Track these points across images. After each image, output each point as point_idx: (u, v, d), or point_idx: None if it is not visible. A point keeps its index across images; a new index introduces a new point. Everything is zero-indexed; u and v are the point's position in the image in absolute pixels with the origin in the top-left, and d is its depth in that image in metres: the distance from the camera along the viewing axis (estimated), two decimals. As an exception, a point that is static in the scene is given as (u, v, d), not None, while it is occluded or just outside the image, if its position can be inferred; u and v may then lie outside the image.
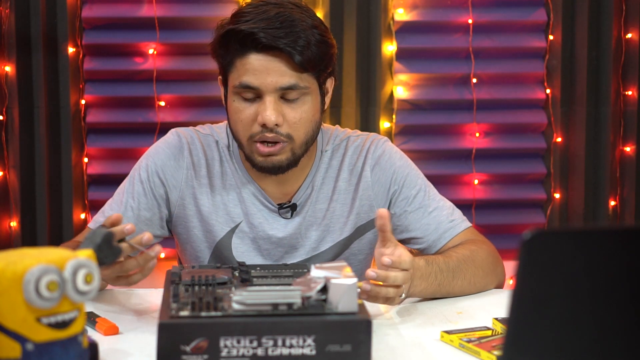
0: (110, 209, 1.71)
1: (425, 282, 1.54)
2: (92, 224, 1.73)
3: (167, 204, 1.71)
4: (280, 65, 1.56)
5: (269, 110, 1.56)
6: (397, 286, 1.42)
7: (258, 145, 1.60)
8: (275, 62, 1.56)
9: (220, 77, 1.67)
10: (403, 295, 1.44)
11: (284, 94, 1.58)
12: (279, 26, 1.54)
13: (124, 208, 1.69)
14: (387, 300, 1.43)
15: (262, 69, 1.56)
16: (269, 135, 1.58)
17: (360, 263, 1.78)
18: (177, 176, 1.71)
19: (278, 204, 1.71)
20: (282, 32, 1.54)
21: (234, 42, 1.57)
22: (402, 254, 1.42)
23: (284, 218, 1.72)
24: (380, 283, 1.40)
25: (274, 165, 1.62)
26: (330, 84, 1.69)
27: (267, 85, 1.56)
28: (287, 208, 1.71)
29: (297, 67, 1.56)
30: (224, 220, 1.71)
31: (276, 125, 1.57)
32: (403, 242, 1.77)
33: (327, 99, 1.69)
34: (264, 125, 1.58)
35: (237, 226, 1.71)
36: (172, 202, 1.71)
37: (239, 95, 1.60)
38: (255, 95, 1.58)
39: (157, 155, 1.71)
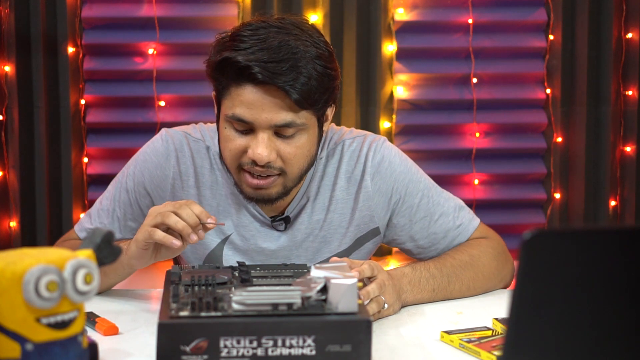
0: (97, 216, 1.69)
1: (417, 287, 1.53)
2: (77, 227, 1.72)
3: None
4: (276, 102, 1.46)
5: (261, 148, 1.48)
6: (378, 300, 1.43)
7: (247, 176, 1.53)
8: (272, 98, 1.46)
9: (214, 93, 1.58)
10: (386, 306, 1.44)
11: (279, 130, 1.50)
12: (279, 59, 1.44)
13: (111, 218, 1.67)
14: (375, 316, 1.43)
15: (258, 104, 1.47)
16: (260, 169, 1.51)
17: None
18: (163, 186, 1.64)
19: (271, 217, 1.65)
20: (282, 68, 1.44)
21: (229, 70, 1.48)
22: (361, 268, 1.41)
23: (277, 231, 1.65)
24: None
25: (263, 197, 1.56)
26: (330, 112, 1.60)
27: (261, 121, 1.47)
28: (280, 221, 1.65)
29: (294, 105, 1.47)
30: (213, 232, 1.64)
31: (268, 162, 1.50)
32: (405, 251, 1.74)
33: (326, 126, 1.61)
34: (254, 162, 1.50)
35: (227, 238, 1.66)
36: None
37: (230, 124, 1.52)
38: (248, 128, 1.50)
39: (143, 164, 1.66)
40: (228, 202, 1.65)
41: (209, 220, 1.42)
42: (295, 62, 1.45)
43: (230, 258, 1.66)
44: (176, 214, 1.40)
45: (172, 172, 1.64)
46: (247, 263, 1.66)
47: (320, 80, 1.48)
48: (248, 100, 1.47)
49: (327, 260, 1.66)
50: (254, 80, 1.45)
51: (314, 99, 1.48)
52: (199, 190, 1.65)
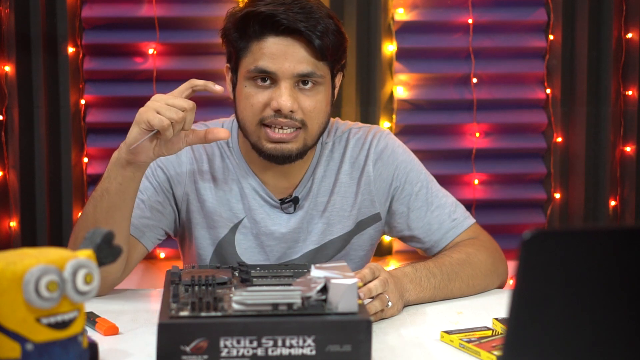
0: None
1: (418, 286, 1.54)
2: None
3: (174, 200, 1.71)
4: (298, 51, 1.55)
5: (285, 96, 1.55)
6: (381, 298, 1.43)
7: (268, 130, 1.58)
8: (294, 47, 1.55)
9: (227, 65, 1.65)
10: (390, 304, 1.44)
11: (299, 82, 1.57)
12: (298, 11, 1.54)
13: (135, 203, 1.67)
14: (378, 315, 1.43)
15: (280, 54, 1.55)
16: (283, 120, 1.57)
17: (361, 260, 1.77)
18: (180, 171, 1.70)
19: (280, 199, 1.71)
20: (301, 17, 1.54)
21: (252, 24, 1.55)
22: (362, 273, 1.41)
23: (286, 213, 1.71)
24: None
25: (284, 154, 1.60)
26: (339, 79, 1.68)
27: (284, 70, 1.55)
28: (290, 202, 1.70)
29: (316, 54, 1.55)
30: (227, 217, 1.70)
31: (291, 111, 1.56)
32: (405, 240, 1.77)
33: (335, 93, 1.68)
34: (278, 111, 1.56)
35: (240, 222, 1.71)
36: (178, 197, 1.71)
37: (252, 80, 1.58)
38: (270, 80, 1.57)
39: None
40: (239, 187, 1.71)
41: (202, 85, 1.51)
42: (312, 13, 1.55)
43: (241, 242, 1.71)
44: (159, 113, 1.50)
45: (189, 157, 1.71)
46: (257, 247, 1.69)
47: (335, 34, 1.57)
48: (271, 51, 1.55)
49: (330, 247, 1.72)
50: (277, 29, 1.54)
51: (332, 50, 1.57)
52: (212, 175, 1.71)
